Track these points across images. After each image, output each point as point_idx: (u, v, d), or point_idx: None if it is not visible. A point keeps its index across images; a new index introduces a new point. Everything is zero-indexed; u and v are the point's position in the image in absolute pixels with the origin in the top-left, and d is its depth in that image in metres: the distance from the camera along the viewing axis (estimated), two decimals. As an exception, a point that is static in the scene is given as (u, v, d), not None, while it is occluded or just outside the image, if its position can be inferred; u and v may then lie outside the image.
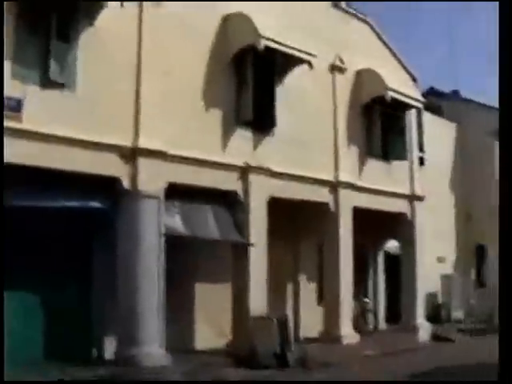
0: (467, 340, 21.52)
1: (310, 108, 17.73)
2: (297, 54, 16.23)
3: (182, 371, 13.03)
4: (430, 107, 26.04)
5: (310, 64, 16.64)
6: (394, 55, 21.53)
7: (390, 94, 19.43)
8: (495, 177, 29.24)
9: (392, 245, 23.23)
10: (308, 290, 20.10)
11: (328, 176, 18.40)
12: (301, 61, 16.57)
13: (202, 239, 15.12)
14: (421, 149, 24.67)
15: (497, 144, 29.48)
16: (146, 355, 12.83)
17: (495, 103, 30.10)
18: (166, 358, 13.18)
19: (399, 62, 21.65)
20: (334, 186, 18.52)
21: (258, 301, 15.49)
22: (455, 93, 32.22)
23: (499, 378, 6.64)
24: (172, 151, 13.71)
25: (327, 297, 18.82)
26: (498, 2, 9.73)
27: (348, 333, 18.37)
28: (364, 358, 16.58)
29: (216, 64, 15.43)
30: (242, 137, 15.88)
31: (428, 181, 23.11)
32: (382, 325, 22.66)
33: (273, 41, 15.36)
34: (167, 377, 12.45)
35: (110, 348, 13.44)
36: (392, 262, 22.94)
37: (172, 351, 13.41)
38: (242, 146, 15.79)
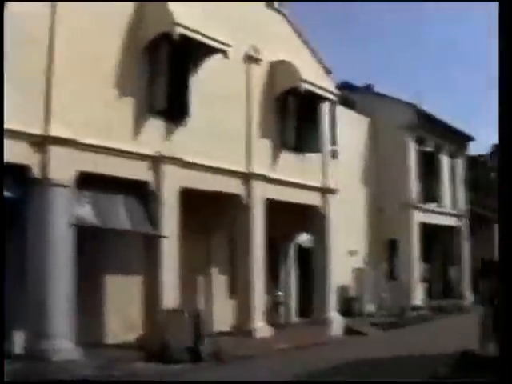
0: (379, 333, 22.40)
1: (224, 98, 18.01)
2: (212, 43, 16.56)
3: (92, 365, 13.19)
4: (343, 101, 26.86)
5: (225, 54, 17.08)
6: (310, 48, 22.11)
7: (305, 85, 20.04)
8: (407, 171, 30.60)
9: (304, 238, 23.93)
10: (220, 282, 20.54)
11: (241, 167, 18.79)
12: (216, 50, 16.93)
13: (113, 230, 15.28)
14: (334, 142, 25.44)
15: (409, 138, 30.87)
16: (55, 349, 12.89)
17: (407, 98, 31.49)
18: (76, 352, 13.27)
19: (314, 55, 22.25)
20: (247, 178, 18.94)
21: (169, 294, 15.75)
22: (368, 87, 33.42)
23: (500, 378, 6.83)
24: (84, 140, 13.80)
25: (239, 290, 19.23)
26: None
27: (260, 326, 18.82)
28: (277, 352, 17.06)
29: (131, 51, 15.55)
30: (155, 126, 16.07)
31: (340, 174, 23.80)
32: (294, 318, 23.27)
33: (188, 29, 15.64)
34: (77, 371, 12.63)
35: (19, 341, 13.45)
36: (304, 254, 23.59)
37: (82, 345, 13.50)
38: (154, 136, 15.99)
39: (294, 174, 20.69)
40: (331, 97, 22.13)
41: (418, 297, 30.03)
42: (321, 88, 21.14)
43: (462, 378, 8.24)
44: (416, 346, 17.99)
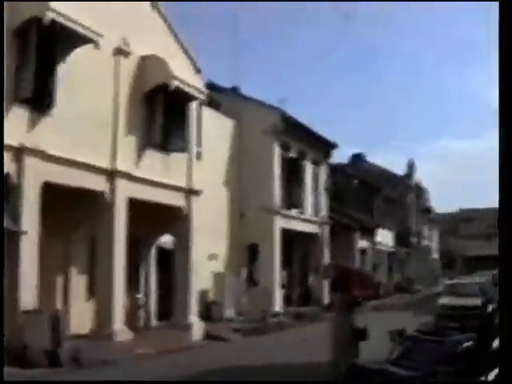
0: (240, 339, 22.90)
1: (92, 91, 18.06)
2: (83, 31, 16.56)
3: None
4: (208, 102, 27.21)
5: (95, 44, 17.11)
6: (181, 45, 22.44)
7: (175, 82, 20.41)
8: (271, 176, 31.42)
9: (166, 239, 24.17)
10: (79, 283, 20.41)
11: (105, 163, 18.82)
12: (86, 39, 16.93)
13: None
14: (199, 143, 25.84)
15: (274, 143, 31.71)
16: None
17: (274, 102, 32.39)
18: None
19: (185, 52, 22.61)
20: (111, 175, 18.98)
21: (28, 293, 15.50)
22: (234, 89, 34.08)
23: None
24: None
25: (99, 292, 19.20)
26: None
27: (120, 329, 18.89)
28: (139, 356, 17.21)
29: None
30: (19, 116, 15.83)
31: (204, 176, 24.25)
32: (154, 322, 23.39)
33: (60, 15, 15.59)
34: None
35: None
36: (165, 257, 23.87)
37: None
38: (18, 126, 15.72)
39: (159, 174, 20.99)
40: (200, 96, 22.58)
41: (278, 303, 30.90)
42: (190, 86, 21.57)
43: None
44: (278, 353, 18.65)
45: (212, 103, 28.96)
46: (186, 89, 21.34)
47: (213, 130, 28.21)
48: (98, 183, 18.71)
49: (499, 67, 7.32)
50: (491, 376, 8.42)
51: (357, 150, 65.48)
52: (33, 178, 15.98)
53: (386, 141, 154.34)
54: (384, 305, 39.57)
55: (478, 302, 25.48)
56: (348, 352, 12.82)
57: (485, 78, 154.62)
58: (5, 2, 15.32)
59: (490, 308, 16.44)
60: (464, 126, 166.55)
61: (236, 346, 21.53)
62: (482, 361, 9.46)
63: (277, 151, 32.29)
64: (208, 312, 25.66)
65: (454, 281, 34.71)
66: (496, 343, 9.69)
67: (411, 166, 68.18)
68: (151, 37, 20.70)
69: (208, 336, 22.16)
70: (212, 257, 27.92)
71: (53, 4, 15.46)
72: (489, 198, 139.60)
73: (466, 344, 10.46)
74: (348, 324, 13.27)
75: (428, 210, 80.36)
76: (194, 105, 23.29)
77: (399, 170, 66.03)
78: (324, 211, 37.93)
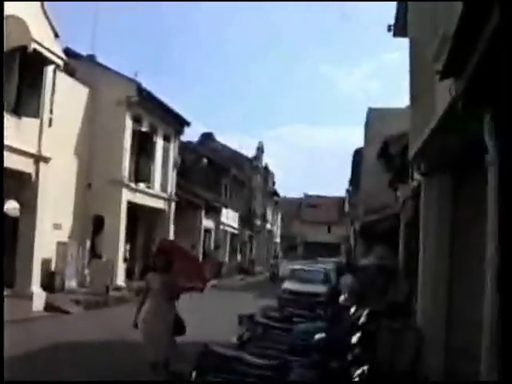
0: (82, 312, 23.50)
1: None
2: None
3: None
4: (63, 68, 27.06)
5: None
6: (42, 7, 22.32)
7: (34, 45, 20.50)
8: (121, 148, 31.78)
9: (12, 206, 24.07)
10: None
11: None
12: None
13: None
14: (51, 109, 25.75)
15: (127, 115, 32.08)
16: None
17: (129, 73, 32.67)
18: None
19: (45, 14, 22.47)
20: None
21: None
22: (91, 57, 33.97)
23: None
24: None
25: None
26: None
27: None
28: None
29: None
30: None
31: (53, 143, 24.31)
32: (-5, 290, 23.34)
33: None
34: None
35: None
36: (10, 224, 23.76)
37: None
38: None
39: (9, 137, 20.70)
40: (58, 61, 22.73)
41: (121, 277, 31.53)
42: (49, 50, 21.67)
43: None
44: (119, 329, 19.12)
45: (67, 69, 28.76)
46: (45, 53, 21.44)
47: (66, 97, 28.04)
48: None
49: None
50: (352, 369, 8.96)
51: (206, 130, 66.63)
52: None
53: (235, 123, 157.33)
54: (226, 285, 41.02)
55: (322, 289, 27.35)
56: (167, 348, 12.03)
57: (341, 68, 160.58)
58: None
59: (339, 298, 17.63)
60: (315, 114, 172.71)
61: (76, 319, 21.99)
62: (335, 353, 10.34)
63: (129, 123, 32.67)
64: (50, 282, 25.81)
65: (298, 266, 35.89)
66: (352, 336, 10.44)
67: (260, 149, 70.19)
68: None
69: (49, 307, 22.46)
70: (56, 226, 27.99)
71: None
72: (332, 186, 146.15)
73: (318, 335, 11.36)
74: (170, 314, 12.35)
75: (274, 194, 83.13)
76: (49, 70, 23.33)
77: (247, 152, 67.79)
78: (172, 188, 38.77)
